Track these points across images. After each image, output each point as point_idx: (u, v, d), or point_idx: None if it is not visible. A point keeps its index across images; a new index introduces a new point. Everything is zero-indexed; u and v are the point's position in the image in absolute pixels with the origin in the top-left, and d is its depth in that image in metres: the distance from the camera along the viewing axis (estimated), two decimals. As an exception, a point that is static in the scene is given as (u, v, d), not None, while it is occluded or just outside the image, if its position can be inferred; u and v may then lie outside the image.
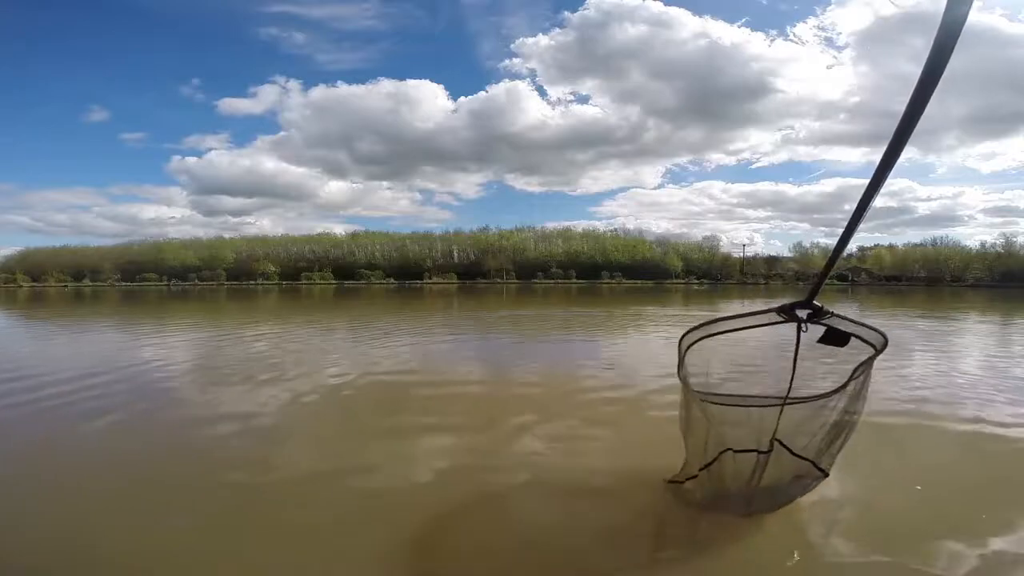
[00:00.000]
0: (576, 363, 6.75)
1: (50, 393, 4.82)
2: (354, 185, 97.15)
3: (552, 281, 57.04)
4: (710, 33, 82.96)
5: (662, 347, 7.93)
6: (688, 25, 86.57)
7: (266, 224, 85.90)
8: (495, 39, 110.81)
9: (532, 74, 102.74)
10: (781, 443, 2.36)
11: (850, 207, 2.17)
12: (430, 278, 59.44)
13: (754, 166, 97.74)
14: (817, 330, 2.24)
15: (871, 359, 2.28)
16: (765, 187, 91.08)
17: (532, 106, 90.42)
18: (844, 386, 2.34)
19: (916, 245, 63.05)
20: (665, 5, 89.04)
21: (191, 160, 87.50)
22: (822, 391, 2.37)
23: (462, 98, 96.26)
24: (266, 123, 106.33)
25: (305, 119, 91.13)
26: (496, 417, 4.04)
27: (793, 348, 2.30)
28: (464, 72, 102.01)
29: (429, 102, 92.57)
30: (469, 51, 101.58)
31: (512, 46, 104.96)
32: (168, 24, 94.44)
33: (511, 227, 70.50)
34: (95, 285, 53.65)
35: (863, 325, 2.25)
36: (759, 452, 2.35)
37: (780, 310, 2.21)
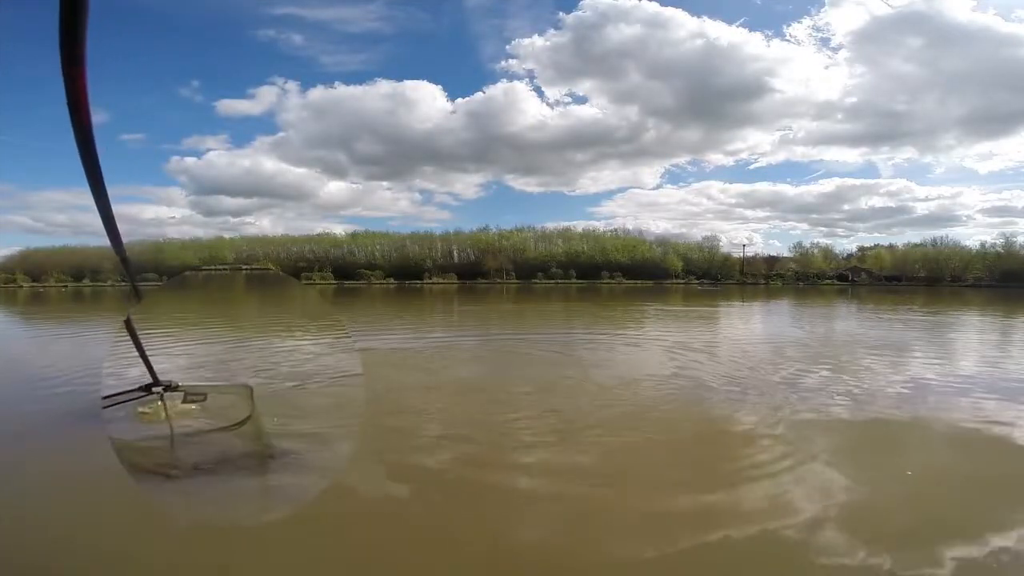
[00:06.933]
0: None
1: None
2: (354, 185, 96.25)
3: (552, 281, 56.89)
4: (707, 33, 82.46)
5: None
6: (685, 25, 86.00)
7: (266, 224, 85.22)
8: (497, 41, 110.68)
9: (530, 75, 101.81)
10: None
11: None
12: (430, 278, 59.27)
13: (752, 166, 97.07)
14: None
15: (251, 398, 3.39)
16: (763, 187, 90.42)
17: (530, 107, 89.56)
18: (245, 420, 3.39)
19: (916, 245, 62.79)
20: (661, 5, 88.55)
21: (190, 161, 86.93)
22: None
23: (460, 99, 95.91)
24: (265, 124, 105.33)
25: (304, 120, 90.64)
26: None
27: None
28: (463, 73, 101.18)
29: (427, 103, 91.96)
30: (469, 53, 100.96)
31: (509, 47, 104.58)
32: (168, 25, 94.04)
33: (511, 227, 70.27)
34: (95, 285, 53.46)
35: (215, 385, 3.34)
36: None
37: (141, 388, 3.08)
